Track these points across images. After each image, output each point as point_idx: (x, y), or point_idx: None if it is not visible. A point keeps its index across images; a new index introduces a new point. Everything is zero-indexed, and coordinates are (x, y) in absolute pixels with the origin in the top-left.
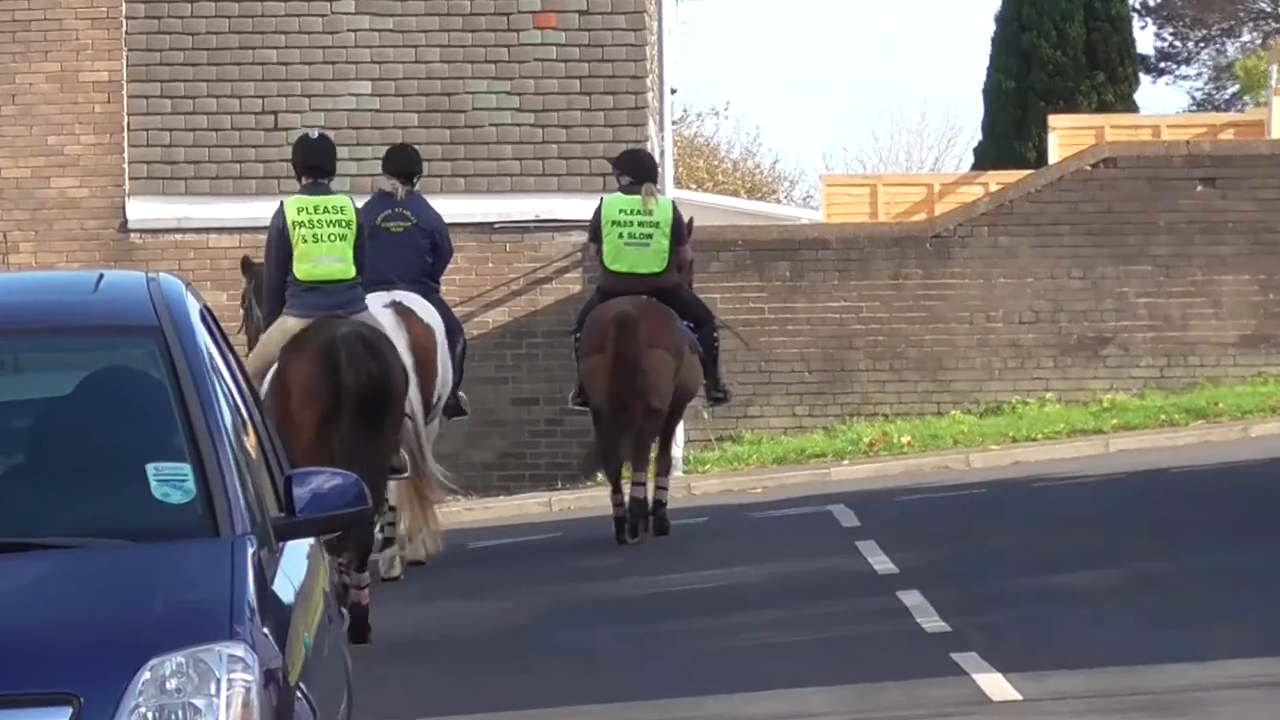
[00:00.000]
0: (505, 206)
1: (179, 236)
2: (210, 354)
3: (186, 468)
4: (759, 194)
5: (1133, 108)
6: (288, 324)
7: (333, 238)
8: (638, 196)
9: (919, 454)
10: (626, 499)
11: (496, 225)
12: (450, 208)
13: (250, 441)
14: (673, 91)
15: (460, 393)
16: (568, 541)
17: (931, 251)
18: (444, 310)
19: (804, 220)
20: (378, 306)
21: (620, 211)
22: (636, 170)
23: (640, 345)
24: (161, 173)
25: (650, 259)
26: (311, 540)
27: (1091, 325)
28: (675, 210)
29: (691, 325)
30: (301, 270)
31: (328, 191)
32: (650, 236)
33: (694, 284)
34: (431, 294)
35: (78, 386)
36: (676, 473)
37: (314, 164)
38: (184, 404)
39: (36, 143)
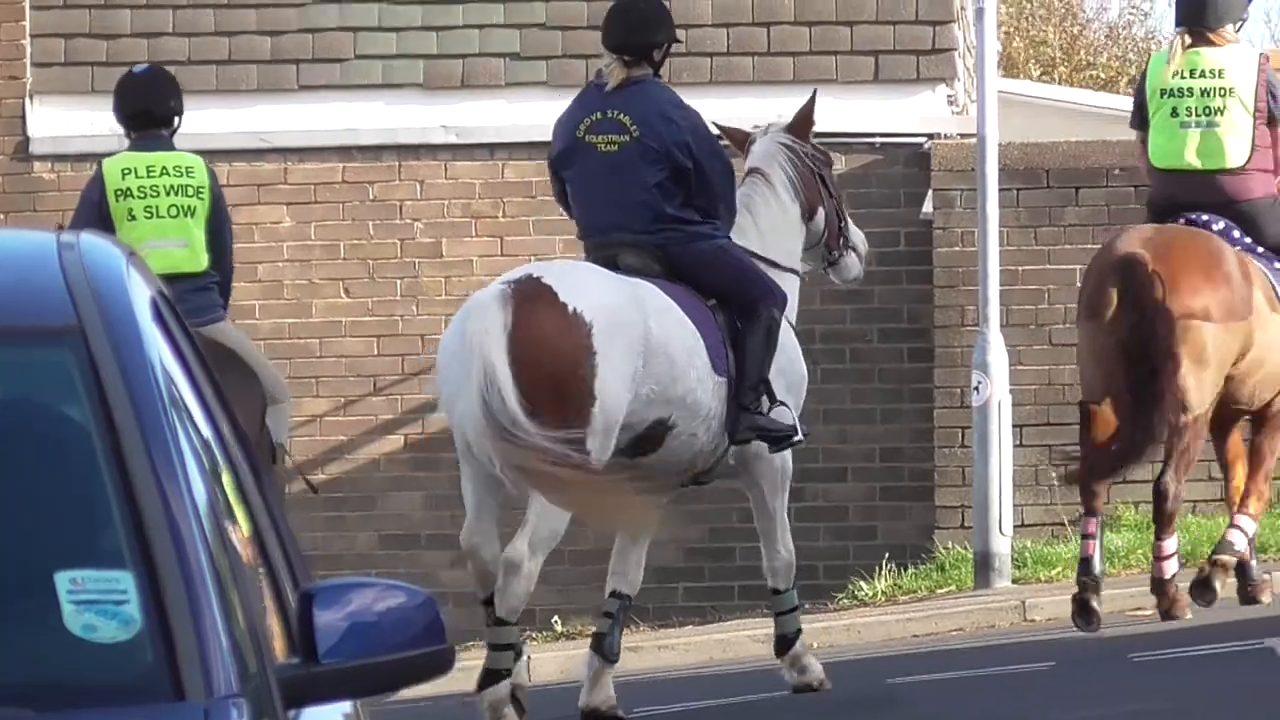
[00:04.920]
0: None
1: None
2: (171, 378)
3: (127, 579)
4: None
5: None
6: None
7: (175, 211)
8: (1202, 50)
9: None
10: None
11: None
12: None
13: (239, 532)
14: None
15: (782, 404)
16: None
17: None
18: (725, 268)
19: None
20: (624, 298)
21: (1175, 75)
22: (1186, 7)
23: (1156, 308)
24: (87, 54)
25: (1212, 146)
26: (347, 708)
27: None
28: (1263, 66)
29: None
30: None
31: (169, 146)
32: (1220, 111)
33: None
34: (697, 242)
35: None
36: (1003, 582)
37: (141, 109)
38: (123, 466)
39: None
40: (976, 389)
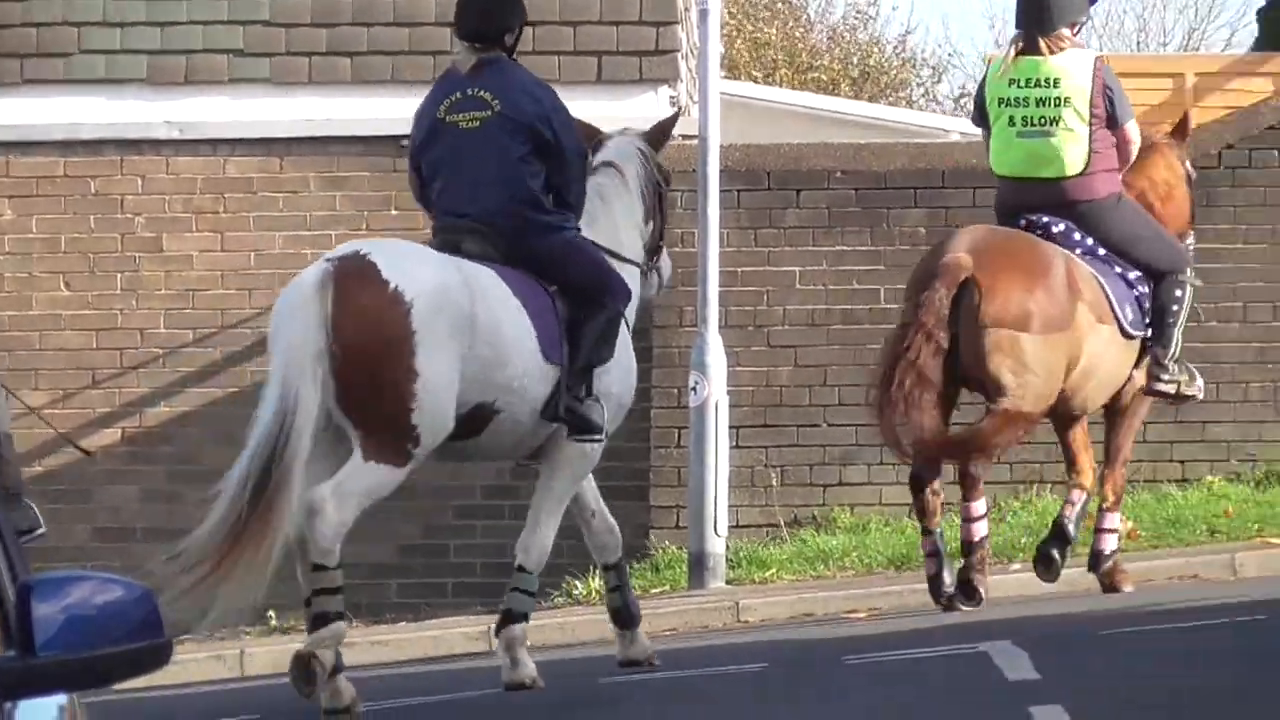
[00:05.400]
0: None
1: None
2: None
3: None
4: (876, 90)
5: None
6: None
7: None
8: (1037, 58)
9: (1148, 551)
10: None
11: None
12: None
13: None
14: None
15: (598, 401)
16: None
17: None
18: (575, 264)
19: (955, 136)
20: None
21: (1011, 83)
22: (1023, 10)
23: (969, 314)
24: None
25: (1049, 155)
26: (62, 700)
27: None
28: (1098, 70)
29: (1135, 278)
30: None
31: None
32: (1055, 120)
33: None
34: (549, 234)
35: None
36: (717, 582)
37: None
38: None
39: None
40: (694, 389)
